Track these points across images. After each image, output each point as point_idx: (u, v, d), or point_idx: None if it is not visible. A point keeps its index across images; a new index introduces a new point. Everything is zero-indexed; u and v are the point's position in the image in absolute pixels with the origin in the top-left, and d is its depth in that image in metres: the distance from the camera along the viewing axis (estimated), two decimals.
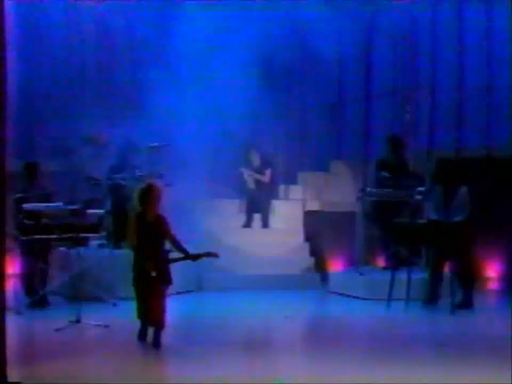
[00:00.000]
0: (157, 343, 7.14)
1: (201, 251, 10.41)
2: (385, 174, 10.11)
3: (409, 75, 11.42)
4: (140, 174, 9.80)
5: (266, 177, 11.59)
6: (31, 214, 8.61)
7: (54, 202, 9.01)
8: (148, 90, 10.64)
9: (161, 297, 7.19)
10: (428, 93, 11.22)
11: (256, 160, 11.61)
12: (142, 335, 7.35)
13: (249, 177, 11.57)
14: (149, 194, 7.33)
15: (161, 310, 7.17)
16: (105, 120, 10.74)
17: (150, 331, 7.25)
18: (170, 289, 8.88)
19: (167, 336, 7.19)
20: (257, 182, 11.62)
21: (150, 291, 7.14)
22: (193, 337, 7.72)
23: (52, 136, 11.13)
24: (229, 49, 10.96)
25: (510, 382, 5.89)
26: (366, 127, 11.71)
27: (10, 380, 5.57)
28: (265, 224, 11.50)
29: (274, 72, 11.70)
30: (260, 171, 11.58)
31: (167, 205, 8.83)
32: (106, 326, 7.90)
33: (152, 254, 7.18)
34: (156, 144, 10.17)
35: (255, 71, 10.98)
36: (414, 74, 11.41)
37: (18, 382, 5.70)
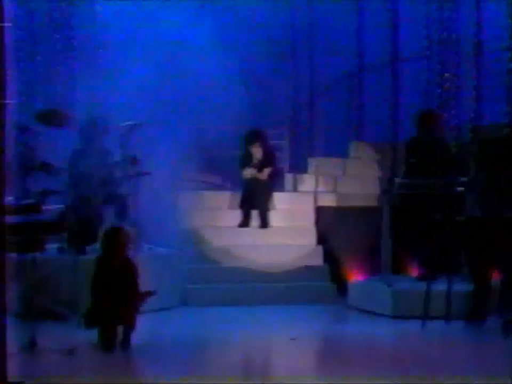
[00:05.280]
0: (126, 344, 7.93)
1: (184, 254, 10.54)
2: (417, 159, 10.08)
3: (447, 33, 11.30)
4: (110, 160, 9.87)
5: (264, 175, 11.60)
6: None
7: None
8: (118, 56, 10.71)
9: (133, 294, 8.01)
10: (471, 56, 11.16)
11: (258, 152, 11.62)
12: (108, 343, 7.84)
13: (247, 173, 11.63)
14: (114, 240, 8.11)
15: (134, 308, 8.02)
16: (66, 93, 10.75)
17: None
18: (150, 306, 8.83)
19: (146, 361, 7.30)
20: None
21: (118, 287, 7.93)
22: (176, 363, 7.61)
23: None
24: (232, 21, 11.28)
25: None
26: (394, 100, 11.71)
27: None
28: (264, 223, 11.42)
29: (280, 37, 11.80)
30: (259, 166, 11.63)
31: (143, 198, 8.73)
32: (70, 351, 7.76)
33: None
34: (129, 123, 10.11)
35: (260, 37, 11.05)
36: (454, 31, 11.29)
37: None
